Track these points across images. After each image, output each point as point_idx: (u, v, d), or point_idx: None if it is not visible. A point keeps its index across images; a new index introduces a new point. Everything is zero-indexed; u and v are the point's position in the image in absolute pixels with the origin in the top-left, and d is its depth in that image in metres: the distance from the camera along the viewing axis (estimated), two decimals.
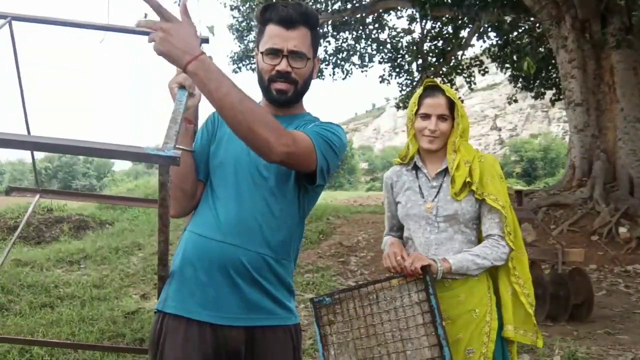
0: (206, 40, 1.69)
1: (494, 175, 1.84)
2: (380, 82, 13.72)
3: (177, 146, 1.42)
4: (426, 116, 1.85)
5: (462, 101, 14.69)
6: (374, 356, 1.78)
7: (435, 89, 1.86)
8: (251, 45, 13.61)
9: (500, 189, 1.83)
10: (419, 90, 1.92)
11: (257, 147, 1.26)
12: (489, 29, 12.33)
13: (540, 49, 11.57)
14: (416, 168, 1.94)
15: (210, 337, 1.38)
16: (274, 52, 1.45)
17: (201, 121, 1.57)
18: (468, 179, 1.82)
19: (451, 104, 1.86)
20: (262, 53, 1.47)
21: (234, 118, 1.21)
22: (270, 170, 1.44)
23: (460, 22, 12.41)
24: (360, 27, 13.47)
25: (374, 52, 13.84)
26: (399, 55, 13.85)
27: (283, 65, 1.44)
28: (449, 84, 13.72)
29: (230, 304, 1.39)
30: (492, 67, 13.85)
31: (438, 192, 1.87)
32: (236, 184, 1.44)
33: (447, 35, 13.18)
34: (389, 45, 13.78)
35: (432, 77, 13.00)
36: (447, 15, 12.27)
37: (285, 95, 1.47)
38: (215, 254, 1.39)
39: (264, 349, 1.42)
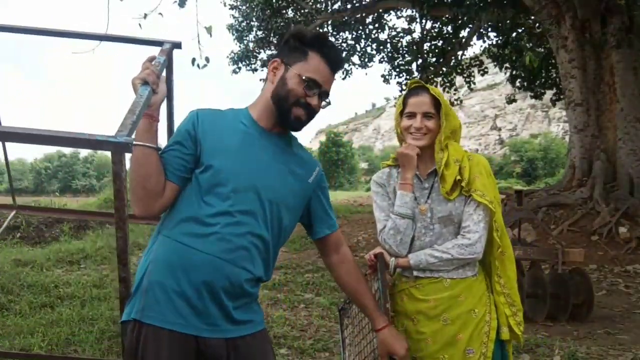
0: (178, 45, 1.67)
1: (482, 173, 1.83)
2: (383, 81, 13.74)
3: (138, 142, 1.38)
4: (412, 115, 1.86)
5: (461, 101, 14.75)
6: (360, 351, 1.92)
7: (420, 88, 1.87)
8: (251, 45, 13.61)
9: (487, 185, 1.82)
10: (405, 92, 1.94)
11: None
12: (489, 29, 12.33)
13: (540, 48, 11.57)
14: None
15: (192, 346, 1.39)
16: (315, 85, 1.49)
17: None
18: (458, 177, 1.82)
19: (437, 103, 1.85)
20: (300, 76, 1.48)
21: None
22: (269, 195, 1.46)
23: (460, 22, 12.41)
24: (360, 27, 13.47)
25: (374, 52, 13.85)
26: (399, 55, 13.85)
27: (316, 101, 1.51)
28: (448, 84, 13.74)
29: (214, 316, 1.40)
30: (492, 67, 13.85)
31: (430, 193, 1.87)
32: (233, 201, 1.42)
33: (447, 35, 13.18)
34: (389, 45, 13.78)
35: (432, 77, 13.01)
36: (447, 15, 12.27)
37: (300, 123, 1.52)
38: (204, 268, 1.38)
39: (247, 356, 1.46)
